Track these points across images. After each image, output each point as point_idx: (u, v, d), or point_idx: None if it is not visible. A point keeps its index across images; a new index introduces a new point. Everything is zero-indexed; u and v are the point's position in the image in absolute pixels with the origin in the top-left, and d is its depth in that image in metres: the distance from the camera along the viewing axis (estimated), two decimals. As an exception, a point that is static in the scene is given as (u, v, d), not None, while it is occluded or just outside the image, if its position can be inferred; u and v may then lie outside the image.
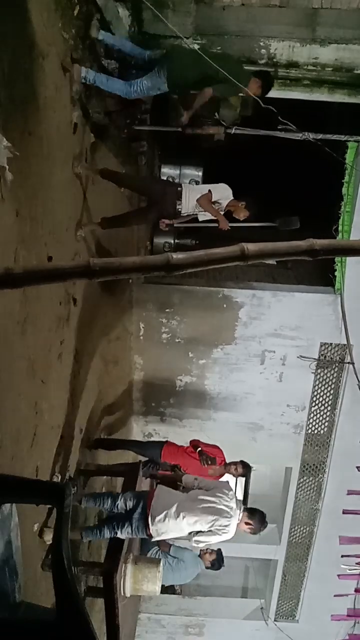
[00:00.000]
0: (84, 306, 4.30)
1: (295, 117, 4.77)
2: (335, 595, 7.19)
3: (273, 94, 4.97)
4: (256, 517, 3.93)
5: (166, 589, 6.48)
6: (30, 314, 3.05)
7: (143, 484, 4.56)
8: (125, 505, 3.85)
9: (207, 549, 5.66)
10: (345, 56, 4.79)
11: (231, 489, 4.06)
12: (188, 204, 4.55)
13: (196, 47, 4.66)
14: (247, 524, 3.93)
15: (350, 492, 6.64)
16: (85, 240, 4.23)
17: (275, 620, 7.58)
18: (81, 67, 3.78)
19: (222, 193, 4.69)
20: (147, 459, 5.03)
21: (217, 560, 5.63)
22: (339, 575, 7.02)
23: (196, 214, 4.67)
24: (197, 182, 7.36)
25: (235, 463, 4.91)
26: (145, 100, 5.09)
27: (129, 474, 4.58)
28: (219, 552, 5.63)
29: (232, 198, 4.72)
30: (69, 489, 2.04)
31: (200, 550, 5.33)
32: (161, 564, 4.15)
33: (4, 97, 2.54)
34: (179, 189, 4.57)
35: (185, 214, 4.66)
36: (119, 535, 3.79)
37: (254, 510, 3.98)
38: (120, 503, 3.86)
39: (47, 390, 3.49)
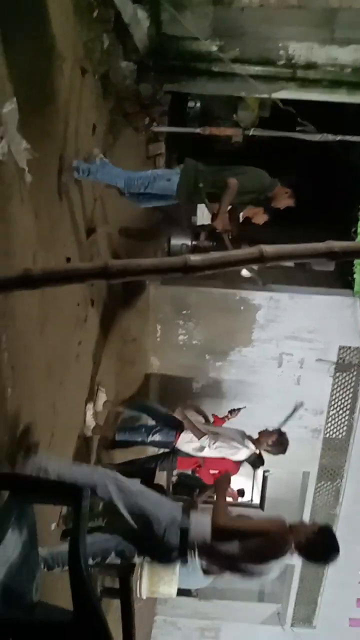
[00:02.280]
0: (101, 307, 4.32)
1: (314, 118, 4.73)
2: (357, 599, 7.10)
3: (292, 95, 4.95)
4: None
5: (182, 592, 6.46)
6: (48, 315, 3.07)
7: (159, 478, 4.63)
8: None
9: None
10: (364, 57, 4.75)
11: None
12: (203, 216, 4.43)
13: (214, 48, 4.66)
14: (269, 444, 4.42)
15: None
16: (103, 242, 4.25)
17: (292, 626, 7.51)
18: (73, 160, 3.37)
19: None
20: (162, 451, 4.96)
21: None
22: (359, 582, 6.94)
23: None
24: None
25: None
26: (164, 102, 5.10)
27: (144, 474, 4.57)
28: None
29: None
30: (86, 490, 2.04)
31: None
32: (177, 566, 4.14)
33: (23, 99, 2.56)
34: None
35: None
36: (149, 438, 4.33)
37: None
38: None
39: (64, 391, 3.51)
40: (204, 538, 2.72)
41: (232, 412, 5.19)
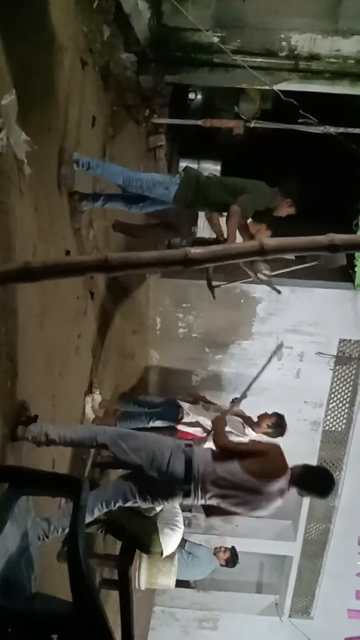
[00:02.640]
0: (101, 300, 4.31)
1: (316, 110, 4.70)
2: (355, 591, 7.14)
3: (294, 86, 4.92)
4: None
5: (181, 583, 6.50)
6: (48, 308, 3.07)
7: None
8: None
9: (221, 547, 5.68)
10: (368, 48, 4.71)
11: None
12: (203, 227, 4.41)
13: (216, 40, 4.62)
14: (268, 426, 4.53)
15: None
16: (103, 235, 4.24)
17: (289, 617, 7.56)
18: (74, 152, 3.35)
19: None
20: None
21: (232, 558, 5.64)
22: (358, 574, 6.98)
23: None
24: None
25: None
26: (165, 94, 5.07)
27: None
28: (233, 550, 5.64)
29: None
30: (85, 482, 2.05)
31: (215, 547, 5.35)
32: (176, 558, 4.17)
33: (23, 91, 2.55)
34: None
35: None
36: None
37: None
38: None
39: (64, 384, 3.51)
40: (206, 462, 2.88)
41: (234, 401, 5.16)
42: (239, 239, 3.80)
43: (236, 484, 2.82)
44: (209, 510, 3.00)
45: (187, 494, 2.86)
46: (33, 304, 2.88)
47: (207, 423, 4.62)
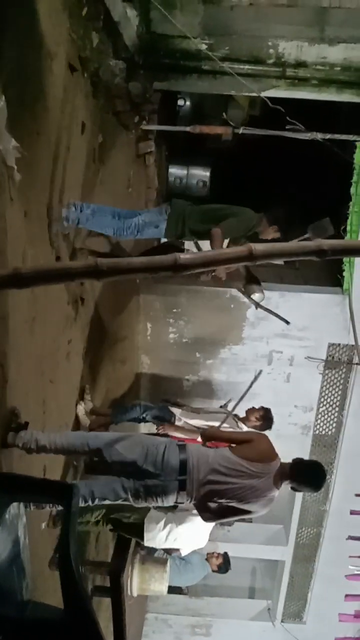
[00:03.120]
0: (91, 306, 4.31)
1: (304, 117, 4.75)
2: (345, 596, 7.16)
3: (281, 93, 4.97)
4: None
5: (173, 589, 6.48)
6: (38, 314, 3.06)
7: None
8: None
9: (214, 553, 5.66)
10: (354, 55, 4.77)
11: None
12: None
13: (204, 47, 4.66)
14: (256, 419, 4.64)
15: (358, 494, 6.61)
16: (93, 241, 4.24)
17: (282, 621, 7.55)
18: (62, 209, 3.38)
19: None
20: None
21: (224, 564, 5.63)
22: (346, 576, 6.99)
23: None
24: (204, 183, 7.36)
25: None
26: (154, 100, 5.10)
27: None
28: (225, 556, 5.63)
29: None
30: (76, 488, 2.05)
31: (207, 553, 5.34)
32: (168, 564, 4.15)
33: (12, 97, 2.55)
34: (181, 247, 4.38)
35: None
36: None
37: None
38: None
39: (55, 389, 3.50)
40: (200, 453, 2.96)
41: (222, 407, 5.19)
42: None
43: (229, 468, 2.89)
44: (204, 510, 2.99)
45: (182, 487, 2.88)
46: (23, 310, 2.88)
47: (200, 423, 4.64)
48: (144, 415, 4.69)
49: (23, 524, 2.17)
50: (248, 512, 3.00)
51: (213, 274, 3.88)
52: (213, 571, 5.78)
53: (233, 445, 3.07)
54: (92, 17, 3.84)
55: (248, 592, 8.74)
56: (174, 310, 6.04)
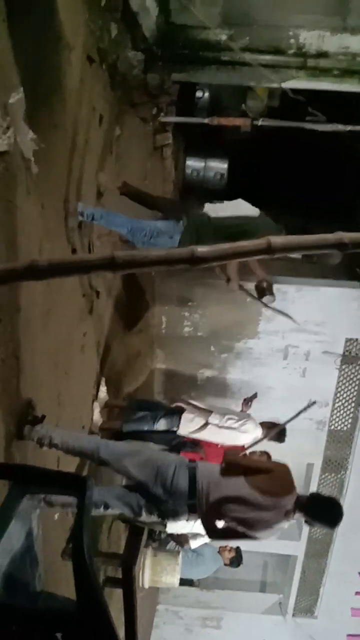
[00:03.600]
0: (106, 299, 4.31)
1: (324, 108, 4.67)
2: (356, 593, 7.13)
3: (302, 84, 4.89)
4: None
5: (184, 582, 6.51)
6: (53, 306, 3.07)
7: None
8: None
9: (226, 546, 5.66)
10: (376, 45, 4.68)
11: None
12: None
13: (223, 37, 4.60)
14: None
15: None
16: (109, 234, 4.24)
17: (293, 616, 7.56)
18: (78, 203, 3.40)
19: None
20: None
21: (236, 558, 5.63)
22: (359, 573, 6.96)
23: None
24: (221, 176, 7.30)
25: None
26: (172, 92, 5.06)
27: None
28: (238, 550, 5.63)
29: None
30: (90, 480, 2.05)
31: (220, 547, 5.35)
32: (180, 556, 4.17)
33: (29, 89, 2.54)
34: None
35: None
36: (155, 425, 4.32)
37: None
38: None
39: (69, 382, 3.52)
40: (210, 476, 2.85)
41: (246, 401, 5.11)
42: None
43: (240, 498, 2.78)
44: (210, 527, 2.93)
45: (192, 510, 2.83)
46: (38, 302, 2.89)
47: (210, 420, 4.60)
48: (155, 425, 4.62)
49: (36, 514, 2.18)
50: (254, 537, 2.90)
51: (227, 281, 4.00)
52: (225, 565, 5.79)
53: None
54: (110, 8, 3.81)
55: (259, 586, 8.75)
56: (189, 304, 6.03)
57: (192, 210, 3.96)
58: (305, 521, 2.92)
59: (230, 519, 2.83)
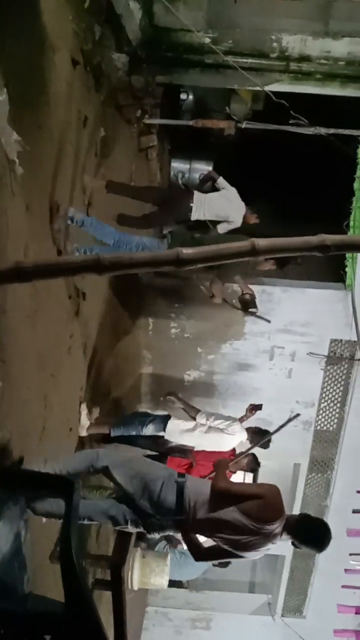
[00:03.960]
0: (93, 300, 4.31)
1: (307, 111, 4.72)
2: (342, 587, 7.17)
3: (285, 87, 4.94)
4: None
5: (173, 583, 6.50)
6: (40, 308, 3.06)
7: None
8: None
9: None
10: (358, 50, 4.74)
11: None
12: (200, 210, 4.56)
13: (207, 40, 4.63)
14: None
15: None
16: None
17: (282, 616, 7.58)
18: (69, 208, 3.48)
19: (234, 205, 4.66)
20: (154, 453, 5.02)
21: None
22: (346, 570, 7.01)
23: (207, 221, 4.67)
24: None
25: (247, 457, 4.94)
26: (156, 94, 5.08)
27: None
28: None
29: (244, 209, 4.68)
30: (78, 483, 2.05)
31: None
32: (169, 557, 4.17)
33: (14, 90, 2.54)
34: (190, 203, 4.53)
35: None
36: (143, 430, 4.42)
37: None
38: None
39: (56, 384, 3.50)
40: (198, 493, 2.80)
41: (252, 409, 5.01)
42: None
43: (229, 522, 2.74)
44: (195, 548, 2.90)
45: (178, 526, 2.80)
46: (25, 304, 2.88)
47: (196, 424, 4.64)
48: (144, 430, 4.65)
49: (24, 517, 2.17)
50: (240, 557, 2.87)
51: (212, 297, 4.22)
52: (213, 565, 5.79)
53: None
54: (94, 11, 3.82)
55: (248, 587, 8.77)
56: (176, 305, 6.04)
57: (176, 228, 4.02)
58: (292, 543, 2.85)
59: (218, 539, 2.79)
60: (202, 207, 4.55)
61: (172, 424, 4.60)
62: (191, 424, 4.58)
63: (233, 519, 2.74)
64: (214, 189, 4.80)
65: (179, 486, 2.81)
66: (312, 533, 2.88)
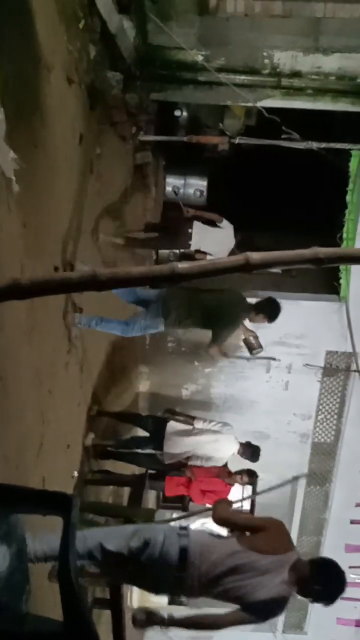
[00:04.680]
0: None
1: (299, 126, 4.78)
2: (342, 598, 7.09)
3: (277, 103, 5.01)
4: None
5: (173, 600, 6.42)
6: (36, 324, 3.06)
7: (149, 495, 4.68)
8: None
9: None
10: (348, 65, 4.81)
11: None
12: (200, 242, 4.96)
13: (200, 58, 4.70)
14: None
15: (358, 504, 6.58)
16: (92, 250, 4.25)
17: (283, 632, 7.49)
18: (75, 313, 3.80)
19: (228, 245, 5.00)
20: (153, 471, 5.00)
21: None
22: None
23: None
24: (201, 192, 7.39)
25: (241, 472, 4.94)
26: (150, 111, 5.13)
27: (135, 484, 4.59)
28: None
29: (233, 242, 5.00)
30: (76, 499, 2.03)
31: None
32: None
33: (10, 109, 2.57)
34: (189, 230, 4.91)
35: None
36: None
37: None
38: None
39: (53, 400, 3.49)
40: (203, 545, 2.65)
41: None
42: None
43: (237, 566, 2.57)
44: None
45: (181, 583, 2.65)
46: (21, 320, 2.88)
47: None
48: (143, 448, 4.71)
49: (22, 536, 2.15)
50: (257, 608, 2.65)
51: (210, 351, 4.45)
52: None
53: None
54: (89, 30, 3.87)
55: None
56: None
57: (164, 294, 4.27)
58: (302, 594, 2.64)
59: (224, 591, 2.63)
60: (203, 239, 4.96)
61: (170, 425, 4.64)
62: (189, 426, 4.64)
63: (241, 560, 2.57)
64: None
65: (181, 541, 2.64)
66: (332, 582, 2.68)
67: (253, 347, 4.54)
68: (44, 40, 3.04)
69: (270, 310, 4.36)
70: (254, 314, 4.32)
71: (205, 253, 4.94)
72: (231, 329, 4.29)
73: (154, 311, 4.15)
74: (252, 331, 4.59)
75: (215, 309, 4.21)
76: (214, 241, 5.03)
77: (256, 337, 4.53)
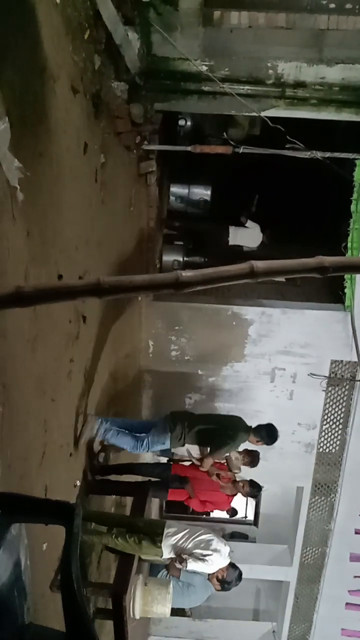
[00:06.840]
0: (93, 324, 4.31)
1: (303, 135, 4.80)
2: (347, 606, 7.02)
3: (281, 113, 5.04)
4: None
5: (176, 611, 6.36)
6: (40, 332, 3.07)
7: (152, 504, 4.65)
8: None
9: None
10: (351, 75, 4.84)
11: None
12: (236, 239, 6.78)
13: (204, 68, 4.73)
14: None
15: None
16: (96, 259, 4.26)
17: (287, 644, 7.42)
18: (95, 418, 4.33)
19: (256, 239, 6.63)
20: (156, 479, 4.99)
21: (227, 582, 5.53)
22: (349, 591, 6.87)
23: None
24: (205, 201, 7.42)
25: (243, 481, 4.90)
26: (155, 121, 5.16)
27: (138, 493, 4.56)
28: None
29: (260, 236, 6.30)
30: (78, 508, 2.02)
31: (209, 574, 5.27)
32: (171, 585, 4.09)
33: (15, 118, 2.59)
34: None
35: None
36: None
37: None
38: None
39: (56, 408, 3.49)
40: None
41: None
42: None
43: None
44: None
45: None
46: (25, 329, 2.88)
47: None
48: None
49: (24, 545, 2.14)
50: None
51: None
52: (217, 590, 5.67)
53: None
54: (94, 40, 3.90)
55: (252, 614, 8.59)
56: (176, 328, 6.05)
57: (173, 414, 4.84)
58: None
59: None
60: (237, 237, 6.83)
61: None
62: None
63: None
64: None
65: None
66: None
67: (232, 466, 4.76)
68: (49, 51, 3.07)
69: (267, 438, 4.77)
70: (253, 437, 4.72)
71: None
72: (228, 449, 4.64)
73: (161, 428, 4.62)
74: (240, 452, 4.84)
75: (216, 428, 4.67)
76: (245, 237, 6.84)
77: (237, 459, 4.77)
